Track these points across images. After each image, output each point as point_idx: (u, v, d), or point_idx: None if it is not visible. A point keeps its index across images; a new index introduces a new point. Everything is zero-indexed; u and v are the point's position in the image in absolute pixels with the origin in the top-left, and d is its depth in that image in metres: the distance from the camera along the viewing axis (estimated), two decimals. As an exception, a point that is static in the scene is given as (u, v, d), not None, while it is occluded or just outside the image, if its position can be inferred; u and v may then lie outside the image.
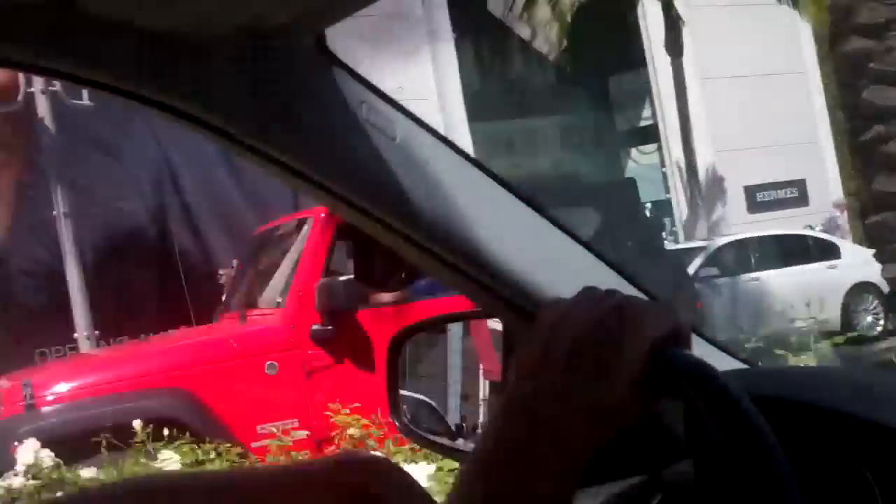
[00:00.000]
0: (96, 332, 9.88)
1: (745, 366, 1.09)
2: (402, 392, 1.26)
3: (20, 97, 9.65)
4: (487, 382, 1.39)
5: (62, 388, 5.74)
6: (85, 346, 9.65)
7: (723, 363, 1.02)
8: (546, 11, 16.92)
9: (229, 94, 0.86)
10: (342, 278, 5.70)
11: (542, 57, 18.91)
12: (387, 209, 0.95)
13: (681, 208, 18.76)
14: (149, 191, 12.38)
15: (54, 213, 9.74)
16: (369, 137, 0.92)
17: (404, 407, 1.26)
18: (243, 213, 12.75)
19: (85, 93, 9.76)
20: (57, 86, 9.73)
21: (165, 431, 5.13)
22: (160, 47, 0.82)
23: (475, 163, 1.01)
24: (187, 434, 5.23)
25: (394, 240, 0.98)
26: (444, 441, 1.32)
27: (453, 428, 1.35)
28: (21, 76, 9.61)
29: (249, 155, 0.91)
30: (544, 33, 17.63)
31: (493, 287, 1.00)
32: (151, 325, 11.87)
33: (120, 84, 0.84)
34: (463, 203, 0.98)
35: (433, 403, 1.36)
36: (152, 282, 11.61)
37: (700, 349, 0.90)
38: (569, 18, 16.68)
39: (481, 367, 1.39)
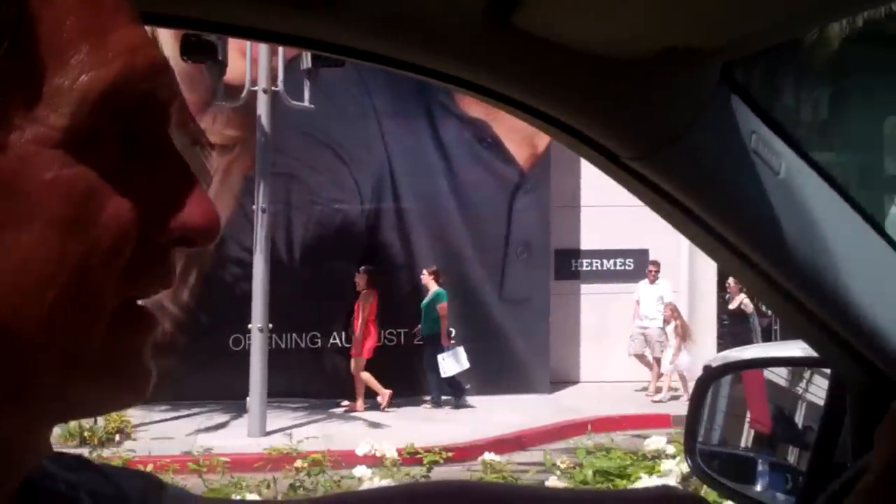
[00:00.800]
0: (270, 325, 10.16)
1: None
2: (699, 441, 1.28)
3: (244, 95, 9.90)
4: (753, 432, 1.41)
5: None
6: (257, 338, 9.85)
7: None
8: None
9: (624, 116, 0.86)
10: None
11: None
12: (753, 243, 0.93)
13: None
14: (368, 193, 12.49)
15: (253, 207, 10.04)
16: (753, 168, 0.90)
17: (699, 449, 1.29)
18: (457, 227, 12.63)
19: (307, 95, 9.87)
20: (279, 87, 9.89)
21: None
22: (571, 65, 0.82)
23: (858, 208, 0.97)
24: None
25: (751, 276, 0.97)
26: (738, 487, 1.32)
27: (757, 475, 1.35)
28: (247, 77, 9.84)
29: (623, 175, 0.90)
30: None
31: (847, 339, 0.99)
32: (325, 325, 12.07)
33: (517, 95, 0.85)
34: (838, 249, 0.95)
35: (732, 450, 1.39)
36: (343, 283, 11.72)
37: None
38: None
39: (749, 415, 1.39)
